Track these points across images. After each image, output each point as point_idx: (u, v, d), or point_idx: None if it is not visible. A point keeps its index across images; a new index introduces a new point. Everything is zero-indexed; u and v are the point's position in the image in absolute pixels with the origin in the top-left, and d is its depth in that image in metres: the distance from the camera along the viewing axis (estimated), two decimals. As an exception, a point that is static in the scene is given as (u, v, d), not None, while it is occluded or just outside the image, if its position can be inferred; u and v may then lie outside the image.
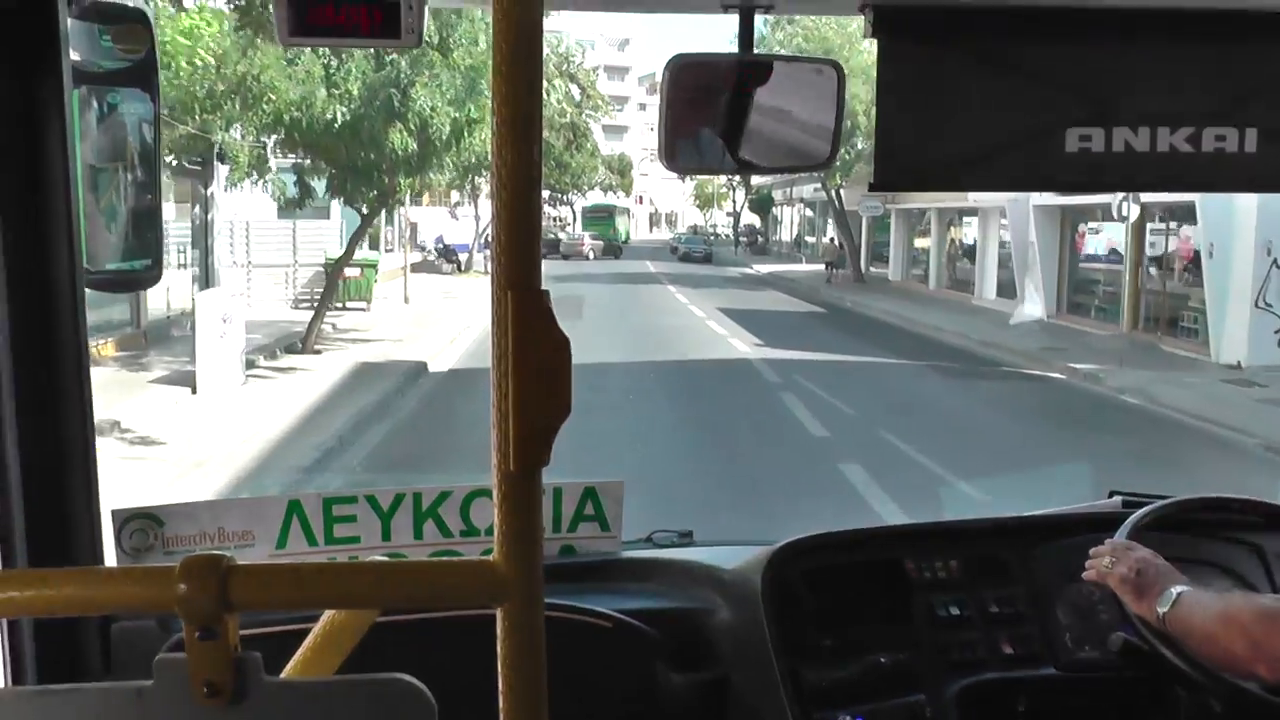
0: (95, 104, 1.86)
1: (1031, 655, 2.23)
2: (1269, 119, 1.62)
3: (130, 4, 1.83)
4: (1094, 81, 1.63)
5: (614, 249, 54.30)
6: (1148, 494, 2.46)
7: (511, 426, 0.92)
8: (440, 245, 38.10)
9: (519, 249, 0.91)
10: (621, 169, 57.13)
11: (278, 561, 2.14)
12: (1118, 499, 2.53)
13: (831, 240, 38.41)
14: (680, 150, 1.76)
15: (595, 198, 59.03)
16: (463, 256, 36.94)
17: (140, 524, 2.21)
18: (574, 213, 59.22)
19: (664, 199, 67.44)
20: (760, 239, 61.27)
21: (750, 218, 65.59)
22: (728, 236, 72.38)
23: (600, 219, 63.74)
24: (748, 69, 1.73)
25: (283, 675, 1.13)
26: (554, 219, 62.26)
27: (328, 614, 1.15)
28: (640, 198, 66.60)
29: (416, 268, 31.41)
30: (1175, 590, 1.88)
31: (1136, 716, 2.24)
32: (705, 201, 76.93)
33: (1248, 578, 2.26)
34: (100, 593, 1.01)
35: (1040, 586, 2.29)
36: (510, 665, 0.96)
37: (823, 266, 37.57)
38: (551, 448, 0.93)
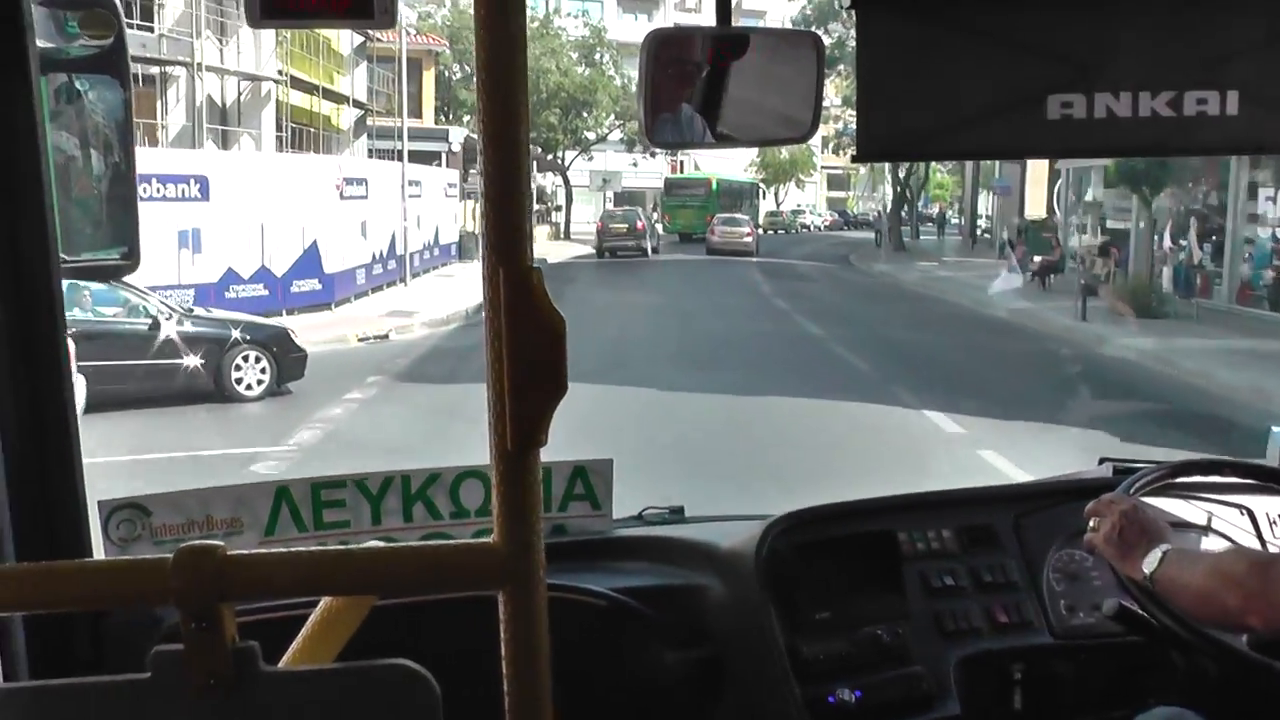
0: (64, 91, 1.88)
1: (1026, 623, 2.26)
2: (1250, 81, 1.62)
3: None
4: (1075, 47, 1.64)
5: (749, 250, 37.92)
6: (1138, 460, 2.48)
7: (508, 406, 0.92)
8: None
9: (509, 227, 0.92)
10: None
11: (268, 548, 2.08)
12: (1108, 466, 2.57)
13: (1106, 245, 23.45)
14: (660, 125, 1.74)
15: (611, 159, 46.86)
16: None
17: (127, 514, 2.23)
18: (565, 181, 46.63)
19: (713, 167, 55.29)
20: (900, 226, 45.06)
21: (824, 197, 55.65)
22: (814, 225, 60.67)
23: (690, 198, 49.14)
24: (726, 42, 1.74)
25: (282, 664, 1.12)
26: (538, 189, 48.74)
27: (325, 600, 1.14)
28: (679, 164, 55.06)
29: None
30: (1161, 550, 1.87)
31: (1133, 681, 2.26)
32: (776, 173, 61.64)
33: (1240, 540, 2.27)
34: (94, 587, 1.01)
35: (1032, 554, 2.33)
36: (513, 646, 0.97)
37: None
38: (548, 426, 0.92)
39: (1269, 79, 1.65)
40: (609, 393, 11.28)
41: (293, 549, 1.04)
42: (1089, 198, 27.65)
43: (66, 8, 1.82)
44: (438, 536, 2.30)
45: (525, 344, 0.93)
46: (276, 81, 23.99)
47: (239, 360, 12.25)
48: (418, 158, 29.91)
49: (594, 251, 38.32)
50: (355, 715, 1.03)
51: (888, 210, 48.86)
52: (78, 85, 1.90)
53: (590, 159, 48.38)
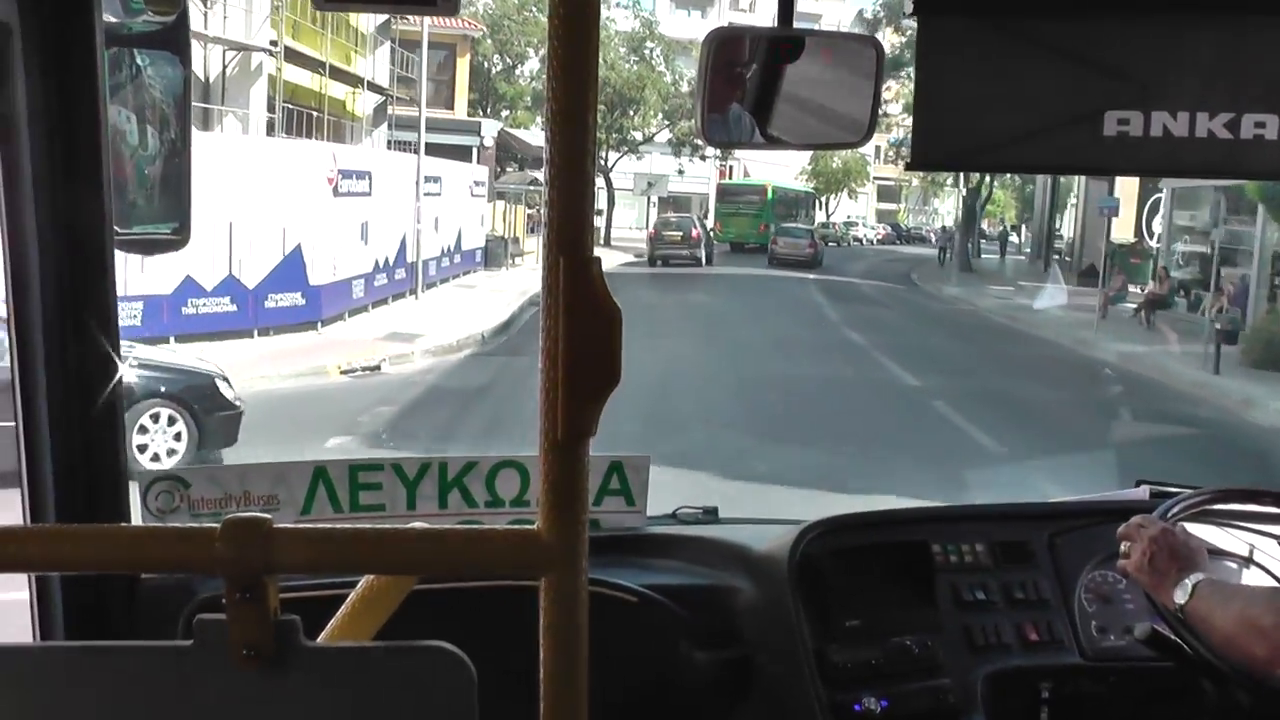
0: (126, 66, 1.93)
1: (1056, 642, 2.34)
2: None
3: None
4: (1134, 65, 1.69)
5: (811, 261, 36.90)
6: (1177, 484, 2.55)
7: (560, 395, 0.95)
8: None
9: (572, 216, 0.94)
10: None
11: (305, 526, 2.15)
12: (1145, 489, 2.62)
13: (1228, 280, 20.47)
14: (713, 123, 1.82)
15: (656, 162, 45.41)
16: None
17: (166, 485, 2.33)
18: (607, 184, 43.91)
19: (764, 174, 53.25)
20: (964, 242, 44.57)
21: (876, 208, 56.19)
22: (867, 238, 58.55)
23: (744, 204, 46.90)
24: (785, 43, 1.79)
25: (321, 639, 1.18)
26: None
27: (366, 579, 1.21)
28: (728, 170, 53.49)
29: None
30: (1192, 580, 1.93)
31: (1162, 707, 2.32)
32: (828, 183, 60.19)
33: (1275, 570, 2.33)
34: (143, 551, 1.07)
35: (1066, 573, 2.40)
36: (553, 635, 1.00)
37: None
38: (599, 418, 0.95)
39: None
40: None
41: (341, 526, 1.06)
42: (1189, 222, 25.72)
43: None
44: (472, 524, 2.32)
45: (581, 334, 0.95)
46: (268, 53, 19.90)
47: (145, 420, 9.13)
48: (447, 152, 28.32)
49: (640, 259, 36.51)
50: (392, 693, 1.06)
51: (956, 225, 46.59)
52: (139, 60, 1.96)
53: (639, 157, 46.15)
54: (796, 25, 1.81)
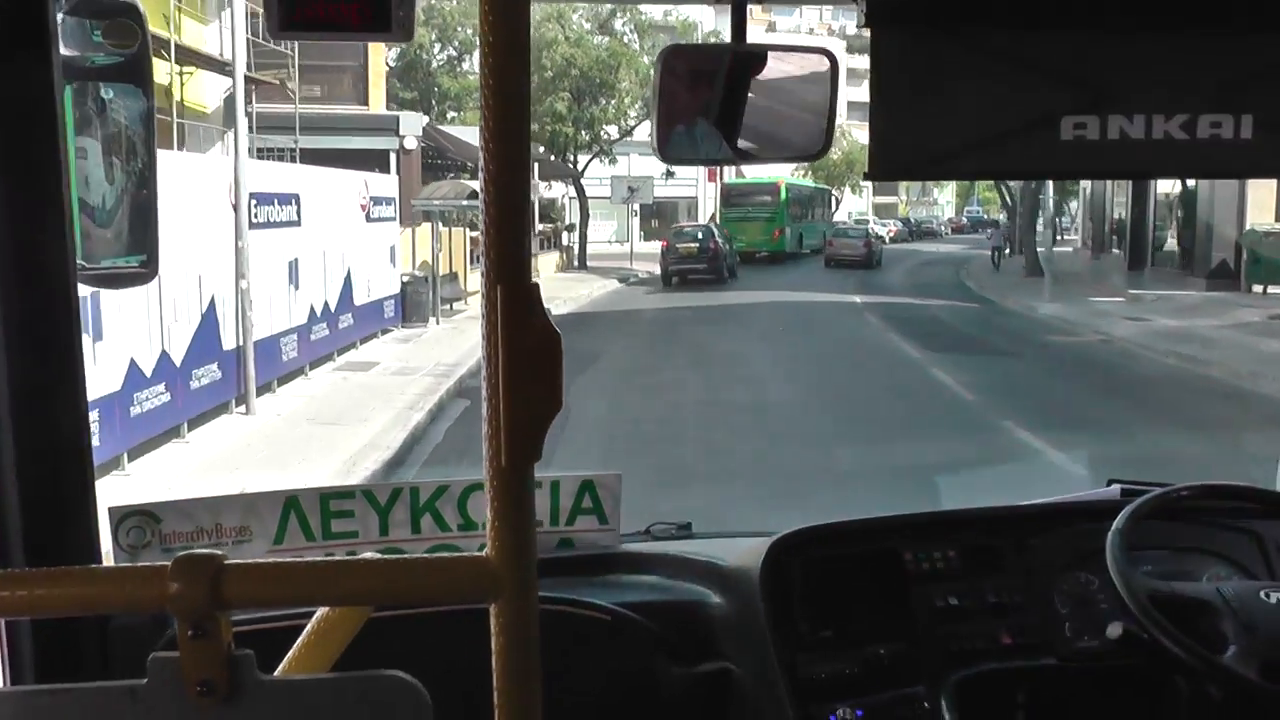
0: (88, 99, 2.05)
1: (1030, 645, 2.56)
2: (1264, 105, 1.84)
3: None
4: (1089, 70, 1.84)
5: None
6: (1147, 482, 2.78)
7: (503, 421, 1.03)
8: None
9: (508, 243, 1.02)
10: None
11: (275, 557, 2.49)
12: (1116, 487, 2.85)
13: None
14: (674, 140, 1.95)
15: (636, 164, 41.26)
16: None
17: (137, 521, 2.46)
18: (579, 192, 40.68)
19: (757, 172, 47.80)
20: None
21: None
22: (880, 236, 53.69)
23: (753, 207, 42.46)
24: (741, 58, 1.95)
25: (277, 673, 1.28)
26: (545, 204, 43.26)
27: (321, 610, 1.30)
28: (718, 171, 48.36)
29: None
30: None
31: (1137, 706, 2.57)
32: (829, 178, 58.06)
33: (1246, 565, 2.62)
34: (94, 592, 1.14)
35: (1038, 576, 2.65)
36: (504, 660, 1.07)
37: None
38: (543, 442, 1.05)
39: None
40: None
41: (289, 559, 1.26)
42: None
43: (92, 17, 1.98)
44: (445, 548, 2.61)
45: (523, 362, 1.02)
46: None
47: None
48: (357, 160, 22.57)
49: (628, 283, 33.51)
50: None
51: (1015, 218, 42.51)
52: (102, 94, 2.04)
53: (612, 162, 40.53)
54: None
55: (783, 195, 42.52)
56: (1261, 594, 2.36)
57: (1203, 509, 2.63)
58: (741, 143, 1.90)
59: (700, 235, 34.98)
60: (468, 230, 27.14)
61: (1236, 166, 1.90)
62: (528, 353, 1.00)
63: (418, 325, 22.10)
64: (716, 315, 25.77)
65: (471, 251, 27.75)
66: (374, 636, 1.36)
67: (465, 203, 24.53)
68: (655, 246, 40.96)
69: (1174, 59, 1.80)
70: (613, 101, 38.82)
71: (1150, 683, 2.46)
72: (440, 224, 24.78)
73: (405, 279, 22.27)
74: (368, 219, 20.04)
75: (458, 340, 19.83)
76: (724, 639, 2.53)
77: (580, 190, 40.04)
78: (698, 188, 51.09)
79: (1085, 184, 39.98)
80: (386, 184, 22.04)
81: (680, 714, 2.49)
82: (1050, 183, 34.08)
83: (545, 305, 1.04)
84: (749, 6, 1.92)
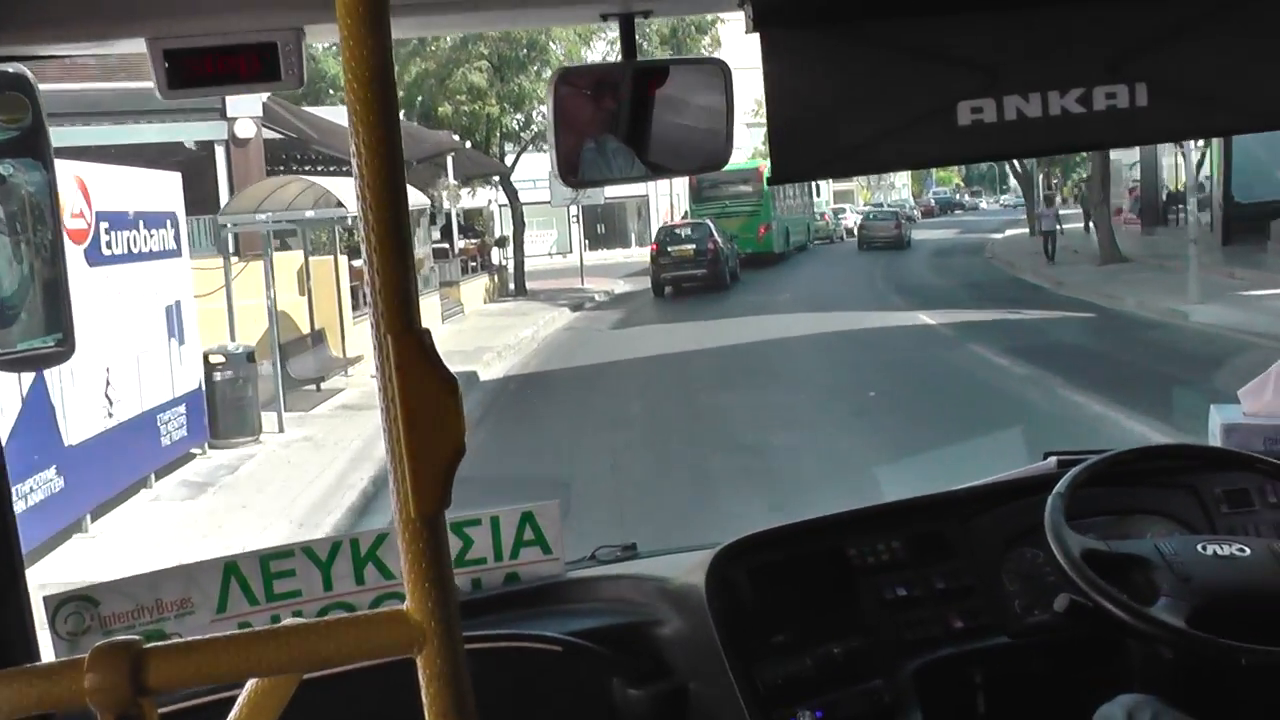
0: None
1: (983, 627, 2.67)
2: (1157, 72, 1.88)
3: (11, 70, 1.97)
4: (980, 54, 1.88)
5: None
6: (1083, 451, 2.84)
7: (407, 471, 1.03)
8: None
9: (395, 291, 1.00)
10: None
11: (219, 626, 2.56)
12: (1053, 460, 2.94)
13: None
14: (585, 159, 1.95)
15: None
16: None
17: (74, 607, 2.44)
18: (509, 195, 33.64)
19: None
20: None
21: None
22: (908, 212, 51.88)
23: (731, 199, 35.58)
24: (635, 75, 1.97)
25: None
26: (468, 215, 36.49)
27: (252, 681, 1.26)
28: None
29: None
30: None
31: (1093, 673, 2.65)
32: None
33: (1189, 521, 2.74)
34: (11, 695, 1.07)
35: (984, 557, 2.75)
36: (435, 710, 1.06)
37: None
38: (450, 488, 1.04)
39: (1175, 69, 1.90)
40: None
41: (210, 635, 1.15)
42: None
43: None
44: (392, 596, 2.71)
45: (420, 409, 1.01)
46: None
47: None
48: (165, 156, 16.37)
49: (584, 311, 26.86)
50: None
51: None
52: (0, 170, 2.07)
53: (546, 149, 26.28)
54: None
55: (765, 187, 35.71)
56: (1199, 547, 2.48)
57: (1139, 470, 2.77)
58: (654, 158, 1.92)
59: (696, 235, 30.51)
60: (343, 259, 18.19)
61: (1135, 135, 1.95)
62: (425, 401, 0.99)
63: (240, 441, 13.71)
64: (741, 364, 17.37)
65: (355, 290, 18.60)
66: (309, 697, 1.36)
67: (312, 215, 16.26)
68: (605, 257, 37.19)
69: (1064, 34, 1.86)
70: (546, 70, 32.03)
71: (1103, 650, 2.60)
72: (281, 249, 17.27)
73: (216, 360, 13.63)
74: (99, 255, 11.00)
75: (316, 466, 11.87)
76: (677, 656, 2.65)
77: (511, 193, 31.87)
78: (648, 185, 44.24)
79: (1215, 150, 35.74)
80: (161, 189, 12.92)
81: None
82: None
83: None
84: (636, 20, 1.99)
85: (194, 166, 17.99)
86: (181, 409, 12.76)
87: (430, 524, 1.00)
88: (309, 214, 16.40)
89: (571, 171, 1.87)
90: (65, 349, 2.00)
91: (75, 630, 2.34)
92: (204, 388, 13.34)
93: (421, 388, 0.98)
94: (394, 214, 0.96)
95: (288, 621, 1.16)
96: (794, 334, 20.65)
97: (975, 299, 25.59)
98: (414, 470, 0.99)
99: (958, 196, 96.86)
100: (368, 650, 1.09)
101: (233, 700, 1.23)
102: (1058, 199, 42.07)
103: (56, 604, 2.37)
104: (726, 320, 23.10)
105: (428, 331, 1.01)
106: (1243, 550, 2.40)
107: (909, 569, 2.65)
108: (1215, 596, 2.32)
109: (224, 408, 13.52)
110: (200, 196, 17.29)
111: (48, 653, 2.29)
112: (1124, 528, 2.59)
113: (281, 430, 14.43)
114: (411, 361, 0.97)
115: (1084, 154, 50.16)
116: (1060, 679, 2.61)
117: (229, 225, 16.06)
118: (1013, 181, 57.73)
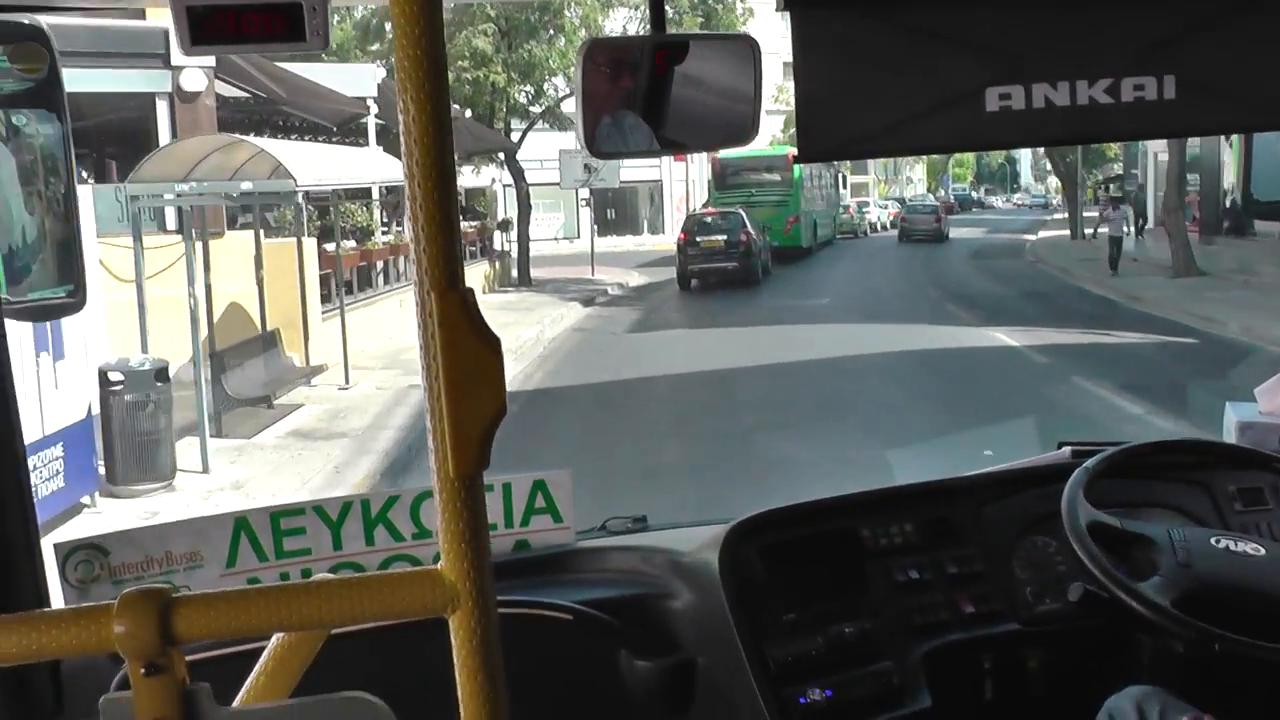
0: (2, 128, 2.09)
1: (993, 613, 2.77)
2: (1186, 65, 1.93)
3: (27, 21, 2.00)
4: (1010, 40, 1.94)
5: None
6: (1098, 442, 2.95)
7: (448, 431, 1.04)
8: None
9: (440, 250, 1.02)
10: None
11: (228, 580, 2.62)
12: (1067, 449, 3.05)
13: None
14: (602, 134, 1.99)
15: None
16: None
17: (84, 555, 2.49)
18: (515, 175, 31.01)
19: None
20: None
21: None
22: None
23: (757, 188, 33.63)
24: (664, 48, 2.00)
25: (236, 703, 1.28)
26: (470, 194, 33.95)
27: (278, 635, 1.32)
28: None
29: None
30: None
31: (1102, 664, 2.77)
32: None
33: (1201, 517, 2.84)
34: (38, 639, 1.09)
35: (996, 544, 2.87)
36: (467, 671, 1.07)
37: None
38: (490, 448, 1.06)
39: (1205, 62, 1.93)
40: None
41: (240, 588, 1.20)
42: None
43: None
44: (401, 558, 2.79)
45: (462, 368, 1.02)
46: None
47: None
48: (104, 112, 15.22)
49: (596, 305, 24.79)
50: None
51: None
52: (14, 121, 2.05)
53: (560, 129, 28.73)
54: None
55: (796, 171, 34.15)
56: (1212, 540, 2.59)
57: (1153, 464, 2.86)
58: (670, 133, 1.94)
59: (728, 225, 28.90)
60: (310, 243, 15.25)
61: (1162, 127, 1.99)
62: (467, 360, 1.00)
63: (144, 488, 10.13)
64: (799, 394, 13.87)
65: (326, 281, 15.46)
66: (333, 654, 1.39)
67: (248, 187, 12.23)
68: (615, 244, 35.90)
69: (1094, 23, 1.90)
70: (555, 43, 28.91)
71: (1114, 641, 2.69)
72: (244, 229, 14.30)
73: (114, 379, 9.94)
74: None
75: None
76: (687, 630, 2.73)
77: (517, 172, 29.92)
78: (662, 169, 43.21)
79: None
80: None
81: (648, 708, 2.67)
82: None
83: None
84: None
85: (127, 125, 15.38)
86: (57, 449, 9.22)
87: (469, 485, 1.01)
88: (245, 186, 12.65)
89: (593, 142, 1.93)
90: (77, 300, 2.03)
91: (85, 578, 2.38)
92: (97, 417, 10.14)
93: (464, 347, 0.98)
94: (440, 172, 0.97)
95: (318, 577, 1.17)
96: (852, 353, 17.25)
97: (1045, 313, 22.52)
98: (454, 430, 0.99)
99: (974, 194, 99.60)
100: (400, 609, 1.09)
101: (258, 653, 1.27)
102: (1124, 201, 36.42)
103: (67, 551, 2.42)
104: (764, 328, 20.20)
105: (471, 291, 1.02)
106: (1257, 550, 2.48)
107: (921, 552, 2.76)
108: (1210, 586, 2.42)
109: (124, 443, 10.14)
110: (135, 160, 13.38)
111: (56, 599, 2.42)
112: (1136, 520, 2.76)
113: (206, 470, 11.06)
114: (454, 320, 0.98)
115: (1115, 151, 47.62)
116: (1069, 668, 2.74)
117: (141, 197, 11.82)
118: (1024, 181, 55.37)
